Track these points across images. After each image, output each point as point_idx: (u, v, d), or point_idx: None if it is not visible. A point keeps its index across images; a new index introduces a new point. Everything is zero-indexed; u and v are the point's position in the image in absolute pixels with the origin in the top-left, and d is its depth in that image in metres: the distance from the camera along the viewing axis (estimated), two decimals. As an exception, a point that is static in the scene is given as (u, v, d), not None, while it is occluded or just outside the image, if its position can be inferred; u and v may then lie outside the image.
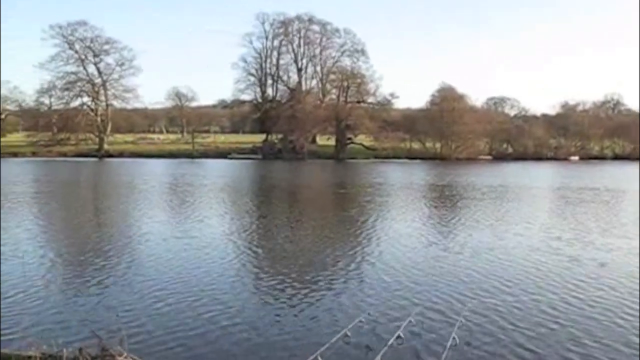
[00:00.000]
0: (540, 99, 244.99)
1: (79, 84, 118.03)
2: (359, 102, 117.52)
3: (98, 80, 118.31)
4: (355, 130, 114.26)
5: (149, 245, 25.10)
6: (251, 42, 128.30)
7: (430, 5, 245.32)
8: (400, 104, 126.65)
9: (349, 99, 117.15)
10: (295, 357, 12.69)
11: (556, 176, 71.50)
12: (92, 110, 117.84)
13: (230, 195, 47.88)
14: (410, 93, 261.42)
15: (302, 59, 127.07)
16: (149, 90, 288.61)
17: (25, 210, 37.10)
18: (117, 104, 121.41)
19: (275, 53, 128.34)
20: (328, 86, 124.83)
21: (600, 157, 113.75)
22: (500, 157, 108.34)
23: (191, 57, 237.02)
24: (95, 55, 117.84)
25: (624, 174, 73.78)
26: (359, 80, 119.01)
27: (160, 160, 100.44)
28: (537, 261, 22.13)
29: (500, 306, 16.30)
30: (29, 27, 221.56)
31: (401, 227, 30.62)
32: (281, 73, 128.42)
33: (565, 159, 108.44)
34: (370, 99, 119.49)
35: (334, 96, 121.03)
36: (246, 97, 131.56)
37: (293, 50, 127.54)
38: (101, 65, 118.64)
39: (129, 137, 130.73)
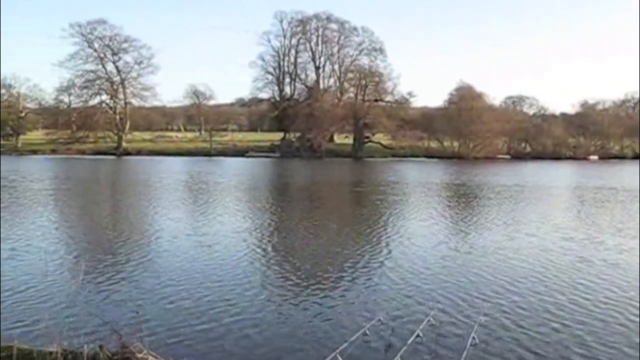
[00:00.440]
0: (559, 97, 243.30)
1: (97, 82, 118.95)
2: (376, 100, 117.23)
3: (117, 79, 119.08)
4: (373, 128, 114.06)
5: (168, 242, 25.20)
6: (269, 41, 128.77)
7: (449, 4, 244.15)
8: (418, 102, 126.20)
9: (366, 98, 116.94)
10: (314, 355, 12.68)
11: (574, 176, 71.12)
12: (110, 108, 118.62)
13: (248, 193, 47.98)
14: (428, 91, 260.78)
15: (320, 58, 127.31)
16: (167, 89, 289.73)
17: (45, 207, 37.35)
18: (135, 102, 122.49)
19: (293, 51, 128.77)
20: (346, 84, 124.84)
21: (620, 157, 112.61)
22: (518, 157, 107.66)
23: (209, 55, 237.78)
24: (114, 54, 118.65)
25: (644, 174, 73.12)
26: (376, 79, 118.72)
27: (178, 158, 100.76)
28: (549, 261, 22.02)
29: (519, 306, 16.23)
30: (48, 25, 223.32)
31: (417, 226, 30.62)
32: (299, 71, 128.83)
33: (584, 159, 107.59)
34: (388, 98, 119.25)
35: (351, 95, 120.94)
36: (264, 95, 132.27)
37: (311, 48, 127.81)
38: (120, 64, 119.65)
39: (147, 135, 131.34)
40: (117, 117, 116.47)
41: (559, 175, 71.09)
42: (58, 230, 29.14)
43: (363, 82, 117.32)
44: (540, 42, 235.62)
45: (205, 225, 30.07)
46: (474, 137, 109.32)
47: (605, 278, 19.50)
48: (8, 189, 46.62)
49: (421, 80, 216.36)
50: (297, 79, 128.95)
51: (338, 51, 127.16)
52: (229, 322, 14.76)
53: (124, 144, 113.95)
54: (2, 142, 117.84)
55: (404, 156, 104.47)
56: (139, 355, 11.01)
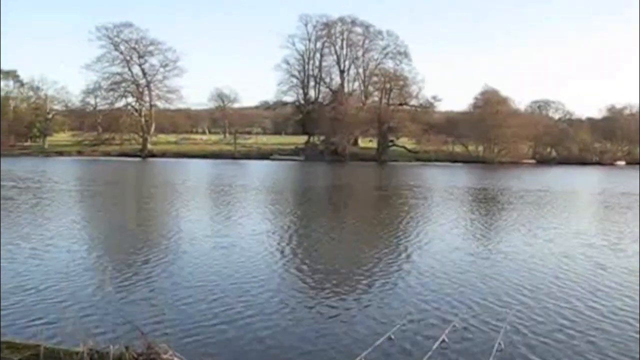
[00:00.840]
0: (585, 102, 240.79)
1: (123, 84, 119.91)
2: (401, 104, 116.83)
3: (142, 81, 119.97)
4: (398, 132, 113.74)
5: (190, 244, 25.28)
6: (294, 44, 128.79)
7: (474, 10, 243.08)
8: (442, 106, 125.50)
9: (391, 102, 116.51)
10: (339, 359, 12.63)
11: (599, 181, 70.37)
12: (136, 110, 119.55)
13: (272, 196, 48.02)
14: (453, 96, 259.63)
15: (344, 61, 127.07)
16: (193, 91, 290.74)
17: (70, 207, 37.69)
18: (160, 104, 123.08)
19: (317, 55, 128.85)
20: (370, 88, 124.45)
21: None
22: (544, 161, 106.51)
23: (234, 58, 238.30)
24: (140, 57, 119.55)
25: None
26: (401, 83, 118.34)
27: (203, 160, 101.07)
28: (569, 267, 21.79)
29: (544, 312, 16.09)
30: (76, 28, 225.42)
31: (437, 230, 30.55)
32: (323, 75, 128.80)
33: (611, 164, 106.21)
34: (413, 102, 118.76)
35: (376, 98, 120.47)
36: (288, 98, 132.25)
37: (336, 52, 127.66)
38: (146, 66, 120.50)
39: (172, 138, 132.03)
40: (143, 119, 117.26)
41: (583, 181, 70.45)
42: (83, 230, 29.41)
43: (388, 85, 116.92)
44: (566, 48, 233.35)
45: (228, 228, 30.17)
46: (499, 141, 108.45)
47: (627, 285, 19.25)
48: (32, 190, 47.11)
49: (446, 84, 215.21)
50: (322, 83, 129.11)
51: (363, 55, 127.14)
52: (252, 325, 14.76)
53: (149, 146, 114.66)
54: (29, 143, 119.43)
55: (428, 160, 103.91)
56: (165, 356, 11.01)
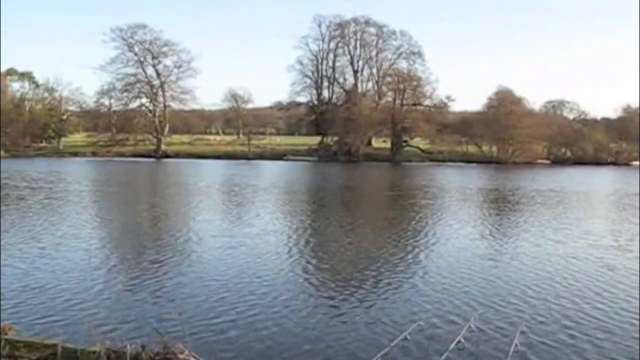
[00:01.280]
0: (600, 101, 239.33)
1: (137, 85, 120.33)
2: (415, 104, 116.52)
3: (156, 82, 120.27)
4: (411, 133, 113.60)
5: (207, 244, 25.37)
6: (307, 44, 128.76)
7: (487, 10, 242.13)
8: (456, 107, 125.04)
9: (405, 102, 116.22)
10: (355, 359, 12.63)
11: (613, 181, 69.90)
12: (150, 111, 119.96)
13: (286, 196, 48.09)
14: (467, 96, 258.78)
15: (358, 61, 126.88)
16: (206, 92, 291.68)
17: (85, 207, 37.89)
18: (174, 105, 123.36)
19: (331, 55, 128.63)
20: (384, 89, 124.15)
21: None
22: (558, 162, 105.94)
23: (248, 59, 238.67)
24: (154, 58, 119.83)
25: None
26: (415, 83, 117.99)
27: (216, 161, 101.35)
28: (579, 268, 21.74)
29: (559, 312, 16.04)
30: (90, 30, 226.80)
31: (449, 231, 30.50)
32: (337, 75, 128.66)
33: (626, 164, 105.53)
34: (427, 102, 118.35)
35: (389, 99, 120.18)
36: (302, 99, 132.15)
37: (349, 52, 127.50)
38: (159, 67, 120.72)
39: (186, 138, 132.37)
40: (157, 120, 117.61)
41: (598, 181, 69.98)
42: (96, 230, 29.57)
43: (401, 86, 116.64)
44: (579, 50, 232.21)
45: (243, 228, 30.19)
46: (513, 141, 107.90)
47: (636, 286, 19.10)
48: (46, 190, 47.36)
49: (460, 85, 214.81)
50: (335, 83, 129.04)
51: (376, 55, 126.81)
52: (267, 325, 14.77)
53: (163, 147, 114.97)
54: (44, 144, 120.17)
55: (442, 161, 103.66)
56: (181, 356, 11.05)
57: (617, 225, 33.54)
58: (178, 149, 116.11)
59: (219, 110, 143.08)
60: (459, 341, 13.26)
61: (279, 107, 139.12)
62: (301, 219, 34.69)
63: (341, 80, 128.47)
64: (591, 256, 24.03)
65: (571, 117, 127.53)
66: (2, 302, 15.70)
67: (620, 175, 79.06)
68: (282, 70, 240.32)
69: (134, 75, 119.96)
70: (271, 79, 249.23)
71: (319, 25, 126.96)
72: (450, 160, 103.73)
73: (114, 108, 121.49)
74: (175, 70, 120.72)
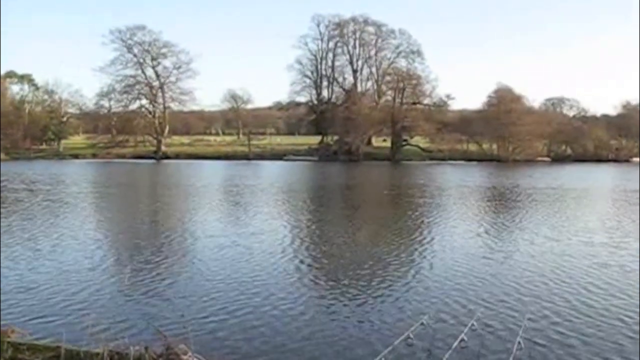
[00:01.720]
0: (600, 98, 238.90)
1: (137, 87, 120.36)
2: (414, 103, 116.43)
3: (156, 83, 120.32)
4: (411, 131, 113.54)
5: (208, 244, 25.35)
6: (307, 44, 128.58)
7: (486, 9, 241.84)
8: (456, 105, 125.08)
9: (404, 101, 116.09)
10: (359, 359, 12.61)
11: (612, 178, 69.87)
12: (150, 112, 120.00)
13: (287, 196, 47.96)
14: (466, 94, 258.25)
15: (357, 61, 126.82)
16: (206, 93, 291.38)
17: (87, 209, 37.90)
18: (174, 106, 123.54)
19: (330, 55, 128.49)
20: (383, 87, 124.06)
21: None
22: (559, 159, 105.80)
23: (247, 59, 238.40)
24: (153, 59, 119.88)
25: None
26: (414, 82, 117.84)
27: (217, 162, 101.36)
28: (574, 265, 21.69)
29: (562, 310, 16.03)
30: (89, 31, 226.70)
31: (448, 229, 30.53)
32: (336, 75, 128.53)
33: (627, 161, 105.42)
34: (426, 101, 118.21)
35: (389, 98, 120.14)
36: (302, 99, 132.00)
37: (348, 51, 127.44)
38: (159, 69, 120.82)
39: (186, 139, 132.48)
40: (156, 121, 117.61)
41: (597, 178, 69.95)
42: (97, 231, 29.51)
43: (401, 85, 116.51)
44: (579, 49, 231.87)
45: (245, 227, 30.18)
46: (514, 139, 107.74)
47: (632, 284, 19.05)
48: (45, 192, 47.36)
49: (460, 84, 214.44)
50: (335, 82, 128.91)
51: (375, 54, 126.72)
52: (270, 325, 14.78)
53: (163, 148, 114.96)
54: (44, 146, 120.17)
55: (442, 159, 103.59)
56: (184, 357, 11.04)
57: (611, 222, 33.35)
58: (178, 150, 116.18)
59: (219, 110, 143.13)
60: (462, 340, 13.26)
61: (279, 107, 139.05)
62: (302, 219, 34.70)
63: (340, 79, 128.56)
64: (587, 254, 24.02)
65: (571, 114, 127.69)
66: (1, 302, 15.69)
67: (621, 172, 78.95)
68: (281, 70, 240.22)
69: (134, 76, 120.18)
70: (271, 79, 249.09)
71: (318, 25, 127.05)
72: (450, 159, 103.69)
73: (113, 110, 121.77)
74: (175, 72, 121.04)
